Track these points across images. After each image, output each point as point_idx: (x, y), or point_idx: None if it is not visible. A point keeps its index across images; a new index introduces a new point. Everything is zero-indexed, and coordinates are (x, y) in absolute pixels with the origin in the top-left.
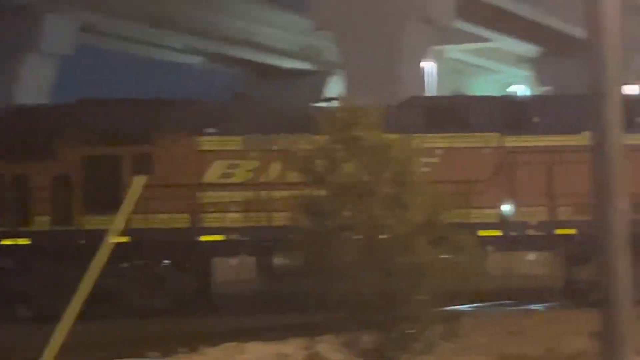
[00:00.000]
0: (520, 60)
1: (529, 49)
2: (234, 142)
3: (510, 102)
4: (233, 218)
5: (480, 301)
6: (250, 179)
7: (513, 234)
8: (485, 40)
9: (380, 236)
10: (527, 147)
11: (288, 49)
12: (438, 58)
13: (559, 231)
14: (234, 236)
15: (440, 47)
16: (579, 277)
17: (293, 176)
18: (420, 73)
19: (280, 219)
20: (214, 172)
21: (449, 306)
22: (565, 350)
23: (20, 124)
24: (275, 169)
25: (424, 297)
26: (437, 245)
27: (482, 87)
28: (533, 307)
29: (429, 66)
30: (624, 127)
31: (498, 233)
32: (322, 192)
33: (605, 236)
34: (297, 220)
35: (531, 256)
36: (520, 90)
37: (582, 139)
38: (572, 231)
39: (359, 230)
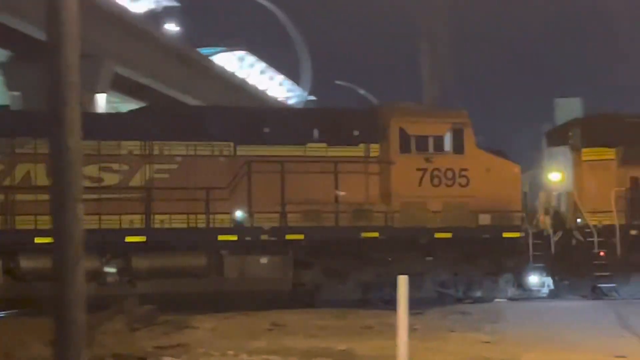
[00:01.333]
0: None
1: None
2: None
3: (244, 113)
4: None
5: None
6: None
7: (248, 238)
8: None
9: None
10: (259, 156)
11: None
12: None
13: (288, 236)
14: None
15: None
16: (304, 280)
17: (40, 180)
18: None
19: (24, 222)
20: None
21: None
22: (22, 356)
23: None
24: (20, 172)
25: None
26: None
27: None
28: None
29: None
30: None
31: (234, 238)
32: None
33: (62, 241)
34: None
35: (264, 260)
36: None
37: (307, 150)
38: (299, 237)
39: None
